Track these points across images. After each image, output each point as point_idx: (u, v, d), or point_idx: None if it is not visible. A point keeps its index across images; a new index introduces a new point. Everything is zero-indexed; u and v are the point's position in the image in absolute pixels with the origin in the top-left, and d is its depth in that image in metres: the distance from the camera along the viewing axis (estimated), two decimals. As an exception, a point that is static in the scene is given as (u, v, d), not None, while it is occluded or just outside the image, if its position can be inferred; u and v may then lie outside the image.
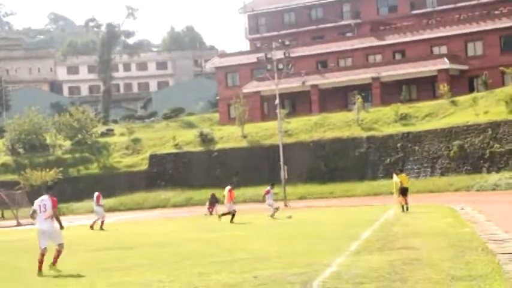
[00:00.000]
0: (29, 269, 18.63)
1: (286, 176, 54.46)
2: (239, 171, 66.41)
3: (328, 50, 79.27)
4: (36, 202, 17.65)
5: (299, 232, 25.83)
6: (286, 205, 49.02)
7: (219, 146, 70.03)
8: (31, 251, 25.40)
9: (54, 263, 17.38)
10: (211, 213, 46.72)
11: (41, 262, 17.24)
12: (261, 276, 14.07)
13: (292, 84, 74.15)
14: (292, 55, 61.93)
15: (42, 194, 18.04)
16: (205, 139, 71.42)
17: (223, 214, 37.56)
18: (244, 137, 70.03)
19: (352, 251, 17.83)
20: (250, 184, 63.46)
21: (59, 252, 17.46)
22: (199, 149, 70.69)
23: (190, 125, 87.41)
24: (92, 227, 37.25)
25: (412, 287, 12.00)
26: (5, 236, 38.16)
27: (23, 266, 19.64)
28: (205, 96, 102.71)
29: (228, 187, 37.98)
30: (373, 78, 72.98)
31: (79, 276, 16.36)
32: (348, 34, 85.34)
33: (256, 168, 65.22)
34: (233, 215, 35.93)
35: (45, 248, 17.38)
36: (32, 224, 49.85)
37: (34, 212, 17.67)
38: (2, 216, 56.61)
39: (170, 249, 19.55)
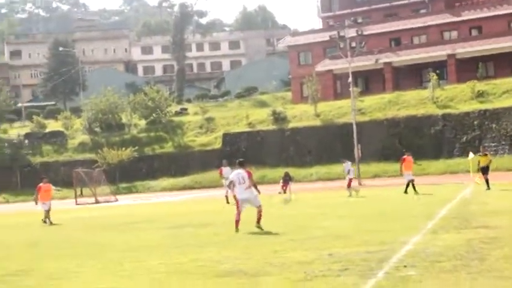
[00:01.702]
0: (107, 245, 19.01)
1: (360, 155, 54.08)
2: (312, 150, 66.32)
3: (402, 27, 78.18)
4: (234, 175, 20.12)
5: (374, 210, 25.64)
6: (360, 183, 48.74)
7: (291, 125, 69.99)
8: (108, 227, 25.97)
9: (258, 221, 19.73)
10: (284, 192, 46.79)
11: (237, 221, 19.78)
12: (336, 254, 14.02)
13: (365, 62, 73.42)
14: (365, 33, 61.25)
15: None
16: (278, 118, 71.46)
17: (407, 186, 35.02)
18: (317, 115, 69.79)
19: (428, 229, 17.58)
20: (323, 163, 63.44)
21: (260, 213, 19.79)
22: (272, 127, 70.80)
23: (263, 104, 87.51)
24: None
25: (490, 266, 11.76)
26: (84, 212, 39.07)
27: (101, 242, 20.02)
28: (278, 75, 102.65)
29: (404, 156, 36.37)
30: (449, 55, 71.67)
31: (152, 252, 16.57)
32: (422, 11, 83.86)
33: (329, 147, 64.99)
34: (412, 184, 34.65)
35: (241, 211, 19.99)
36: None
37: (231, 182, 20.32)
38: (81, 193, 57.92)
39: (245, 226, 19.64)
